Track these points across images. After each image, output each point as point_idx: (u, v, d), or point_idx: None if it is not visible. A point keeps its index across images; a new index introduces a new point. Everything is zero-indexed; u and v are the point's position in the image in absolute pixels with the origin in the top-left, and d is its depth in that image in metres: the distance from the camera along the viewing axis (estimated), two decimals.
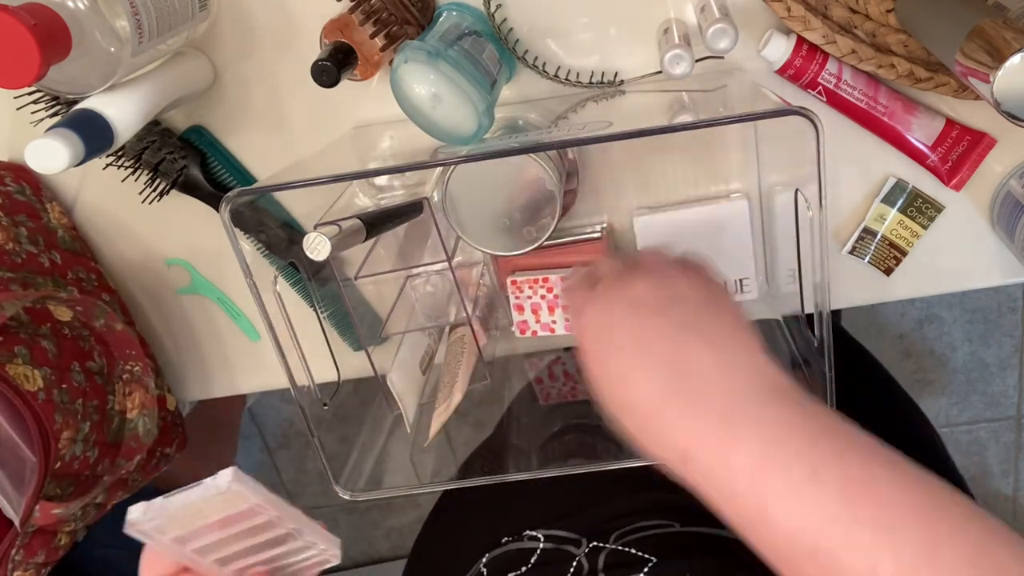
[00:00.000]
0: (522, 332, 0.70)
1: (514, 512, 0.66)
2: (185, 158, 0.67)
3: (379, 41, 0.57)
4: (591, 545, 0.59)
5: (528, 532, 0.62)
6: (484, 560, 0.62)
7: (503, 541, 0.63)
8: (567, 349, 0.76)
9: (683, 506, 0.60)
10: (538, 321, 0.69)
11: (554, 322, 0.69)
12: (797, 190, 0.56)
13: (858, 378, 0.82)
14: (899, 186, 0.66)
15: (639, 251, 0.55)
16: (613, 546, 0.58)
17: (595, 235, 0.68)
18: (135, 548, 0.48)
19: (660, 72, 0.62)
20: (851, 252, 0.68)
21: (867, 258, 0.68)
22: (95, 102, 0.54)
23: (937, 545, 0.34)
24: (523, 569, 0.60)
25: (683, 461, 0.41)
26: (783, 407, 0.39)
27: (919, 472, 0.37)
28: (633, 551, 0.56)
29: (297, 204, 0.69)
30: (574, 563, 0.58)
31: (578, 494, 0.64)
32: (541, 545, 0.61)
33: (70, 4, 0.47)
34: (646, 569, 0.54)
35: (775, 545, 0.37)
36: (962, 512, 0.36)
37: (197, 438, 0.76)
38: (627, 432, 0.43)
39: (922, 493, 0.36)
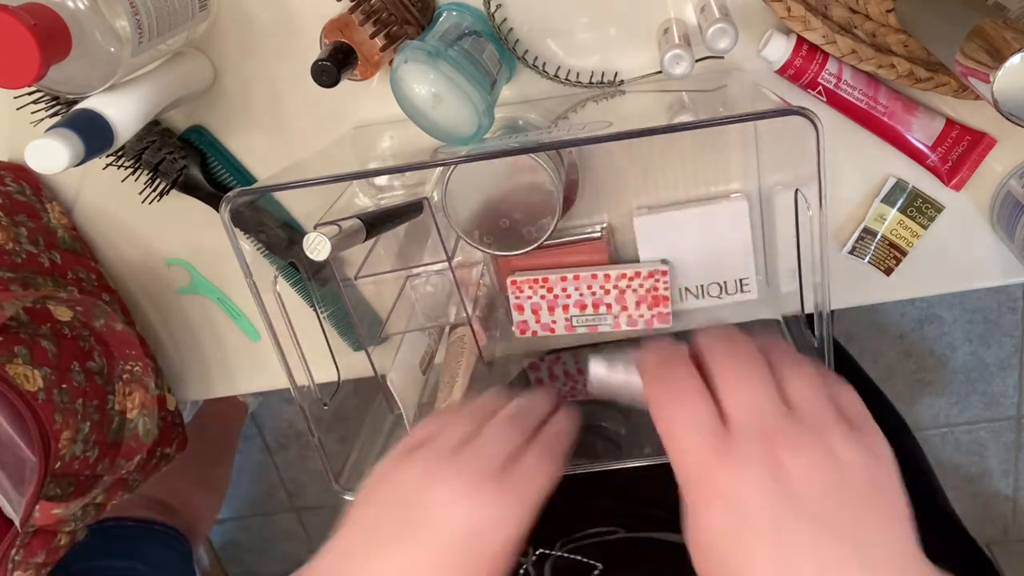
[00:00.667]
0: (522, 332, 0.70)
1: None
2: (185, 158, 0.67)
3: (379, 41, 0.57)
4: (537, 553, 0.58)
5: None
6: None
7: None
8: (565, 349, 0.76)
9: (628, 512, 0.60)
10: (538, 321, 0.69)
11: (554, 322, 0.69)
12: (797, 190, 0.56)
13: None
14: (899, 186, 0.66)
15: (774, 362, 0.38)
16: (559, 553, 0.58)
17: (595, 235, 0.68)
18: (129, 557, 0.48)
19: (660, 72, 0.62)
20: (851, 252, 0.68)
21: (867, 258, 0.68)
22: (95, 102, 0.54)
23: None
24: None
25: None
26: None
27: None
28: (579, 558, 0.56)
29: (297, 204, 0.69)
30: (521, 571, 0.58)
31: None
32: None
33: (70, 4, 0.47)
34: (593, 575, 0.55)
35: None
36: None
37: (196, 449, 0.76)
38: None
39: None
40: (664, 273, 0.66)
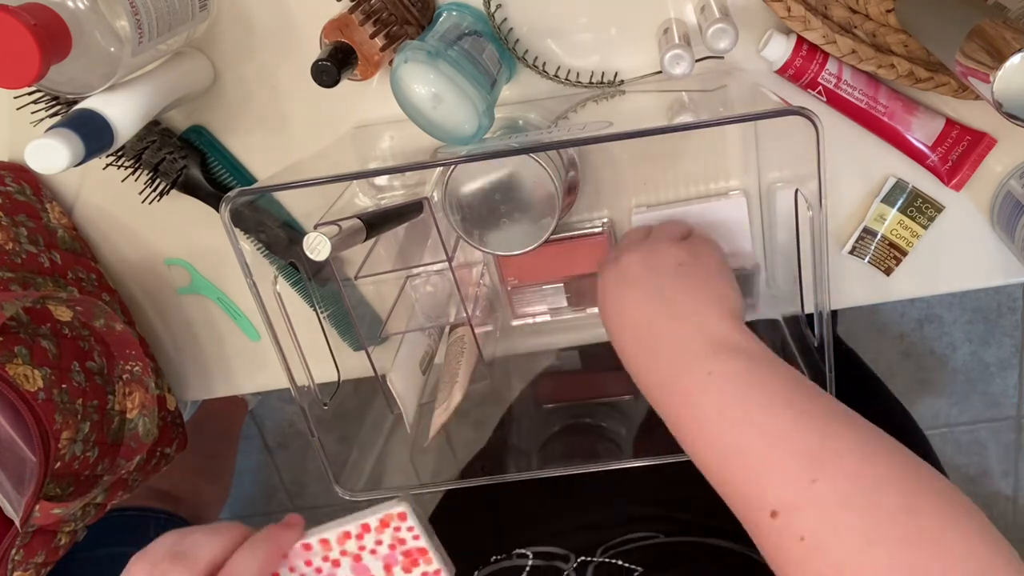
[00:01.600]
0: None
1: (503, 530, 0.66)
2: (185, 158, 0.67)
3: (379, 41, 0.57)
4: (579, 560, 0.59)
5: (517, 550, 0.63)
6: None
7: (492, 559, 0.63)
8: (564, 350, 0.76)
9: (668, 517, 0.61)
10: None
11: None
12: (797, 190, 0.56)
13: (844, 382, 0.83)
14: (899, 186, 0.66)
15: (658, 225, 0.59)
16: (600, 559, 0.58)
17: (596, 230, 0.68)
18: (128, 544, 0.48)
19: (660, 72, 0.62)
20: (851, 252, 0.68)
21: (867, 258, 0.68)
22: (95, 102, 0.54)
23: (860, 479, 0.40)
24: None
25: (654, 403, 0.50)
26: (730, 360, 0.47)
27: (851, 416, 0.43)
28: (620, 563, 0.57)
29: (297, 204, 0.69)
30: None
31: (566, 510, 0.64)
32: (530, 562, 0.61)
33: (70, 4, 0.47)
34: None
35: (715, 456, 0.45)
36: (890, 457, 0.41)
37: (198, 442, 0.76)
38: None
39: (850, 432, 0.42)
40: (403, 517, 0.45)
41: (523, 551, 0.62)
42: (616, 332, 0.54)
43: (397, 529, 0.46)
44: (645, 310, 0.52)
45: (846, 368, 0.86)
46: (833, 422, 0.43)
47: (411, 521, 0.46)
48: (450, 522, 0.74)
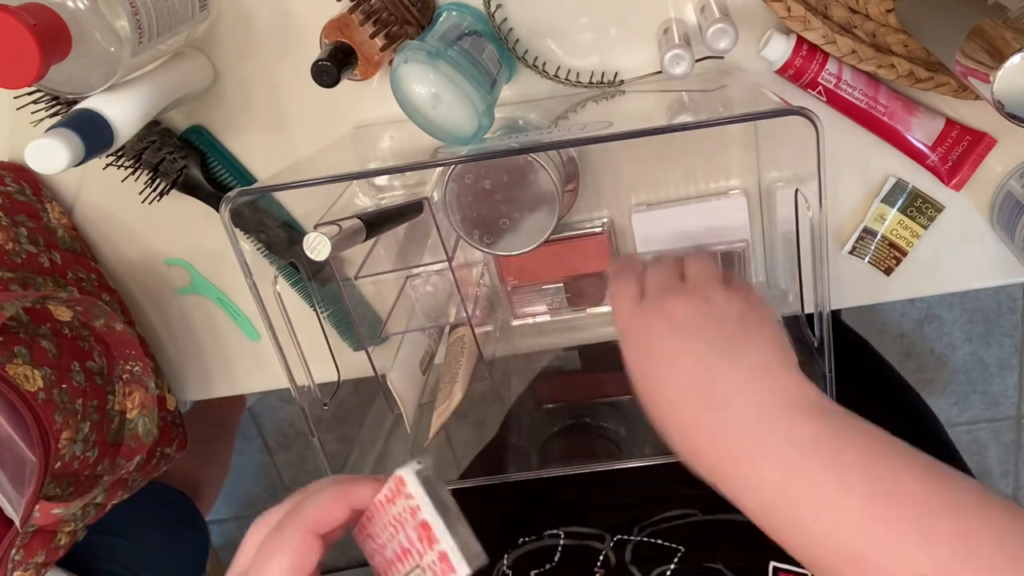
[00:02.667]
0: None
1: (529, 513, 0.66)
2: (185, 158, 0.67)
3: (379, 41, 0.57)
4: (616, 539, 0.58)
5: (548, 531, 0.62)
6: (506, 561, 0.62)
7: (521, 541, 0.62)
8: (564, 350, 0.76)
9: (702, 496, 0.60)
10: None
11: None
12: (797, 190, 0.56)
13: (862, 373, 0.83)
14: (899, 186, 0.66)
15: (685, 260, 0.53)
16: (638, 538, 0.58)
17: (596, 230, 0.68)
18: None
19: (660, 72, 0.62)
20: (851, 252, 0.68)
21: (867, 258, 0.68)
22: (95, 102, 0.54)
23: (970, 535, 0.35)
24: (547, 567, 0.59)
25: (718, 477, 0.43)
26: (809, 420, 0.41)
27: (942, 468, 0.38)
28: (660, 542, 0.56)
29: (297, 204, 0.69)
30: (601, 557, 0.58)
31: (594, 491, 0.64)
32: (563, 542, 0.61)
33: (70, 4, 0.47)
34: (676, 559, 0.54)
35: (814, 553, 0.39)
36: (985, 500, 0.37)
37: (196, 438, 0.76)
38: (672, 445, 0.46)
39: (947, 488, 0.37)
40: (401, 483, 0.43)
41: (554, 531, 0.62)
42: (660, 393, 0.47)
43: (408, 497, 0.42)
44: (708, 365, 0.45)
45: (861, 359, 0.87)
46: (935, 496, 0.38)
47: (411, 488, 0.42)
48: (474, 505, 0.74)
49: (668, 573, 0.54)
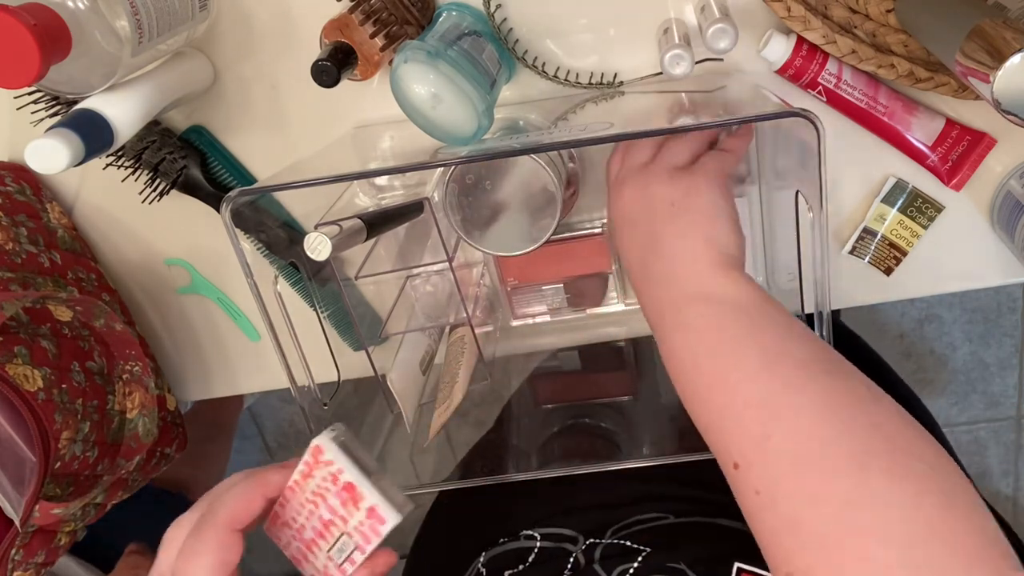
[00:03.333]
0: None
1: (511, 512, 0.66)
2: (185, 158, 0.67)
3: (379, 41, 0.57)
4: (588, 542, 0.59)
5: (525, 532, 0.62)
6: (482, 559, 0.62)
7: (500, 541, 0.63)
8: (564, 350, 0.76)
9: (677, 496, 0.61)
10: None
11: None
12: (797, 191, 0.56)
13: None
14: (899, 186, 0.66)
15: (665, 144, 0.57)
16: (609, 540, 0.58)
17: (596, 230, 0.68)
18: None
19: (660, 73, 0.62)
20: (851, 252, 0.68)
21: (867, 258, 0.68)
22: (95, 102, 0.54)
23: (825, 431, 0.41)
24: (520, 567, 0.60)
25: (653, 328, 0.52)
26: (705, 307, 0.49)
27: (832, 361, 0.45)
28: (627, 543, 0.57)
29: (297, 204, 0.69)
30: (571, 559, 0.58)
31: (574, 492, 0.64)
32: (538, 544, 0.61)
33: (70, 4, 0.47)
34: (640, 559, 0.55)
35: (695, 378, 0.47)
36: (856, 398, 0.42)
37: (193, 438, 0.76)
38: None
39: (826, 380, 0.43)
40: (319, 451, 0.45)
41: (531, 532, 0.62)
42: (623, 254, 0.56)
43: (328, 464, 0.44)
44: (637, 251, 0.54)
45: (860, 363, 0.87)
46: (802, 372, 0.43)
47: (329, 455, 0.44)
48: (456, 505, 0.74)
49: (631, 571, 0.55)
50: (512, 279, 0.70)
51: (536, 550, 0.61)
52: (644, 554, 0.55)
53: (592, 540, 0.59)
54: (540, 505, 0.65)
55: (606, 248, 0.68)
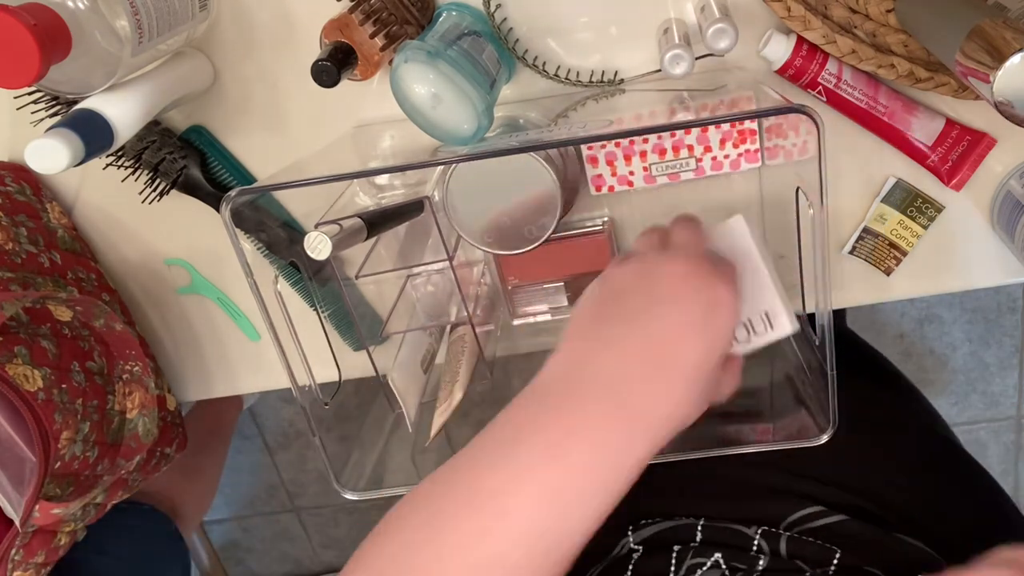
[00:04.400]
0: (597, 189, 0.65)
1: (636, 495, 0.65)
2: (185, 158, 0.67)
3: (379, 41, 0.57)
4: (761, 530, 0.58)
5: (672, 513, 0.62)
6: (632, 538, 0.61)
7: (643, 522, 0.61)
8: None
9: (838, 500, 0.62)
10: (614, 174, 0.64)
11: (631, 173, 0.64)
12: (798, 188, 0.56)
13: (871, 380, 0.83)
14: (899, 186, 0.66)
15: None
16: (790, 534, 0.58)
17: (597, 228, 0.67)
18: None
19: (660, 71, 0.62)
20: (851, 252, 0.68)
21: (867, 258, 0.68)
22: (95, 102, 0.54)
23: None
24: (691, 545, 0.58)
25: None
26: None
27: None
28: (815, 540, 0.57)
29: (297, 204, 0.69)
30: (754, 546, 0.57)
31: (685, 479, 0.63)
32: (702, 523, 0.60)
33: (70, 4, 0.47)
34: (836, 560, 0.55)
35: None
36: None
37: (192, 437, 0.76)
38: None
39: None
40: (750, 100, 0.56)
41: (684, 517, 0.61)
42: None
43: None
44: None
45: (868, 367, 0.87)
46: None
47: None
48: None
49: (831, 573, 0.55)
50: (513, 278, 0.69)
51: (700, 528, 0.59)
52: (837, 555, 0.55)
53: (765, 528, 0.58)
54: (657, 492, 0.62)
55: (607, 247, 0.68)
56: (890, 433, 0.72)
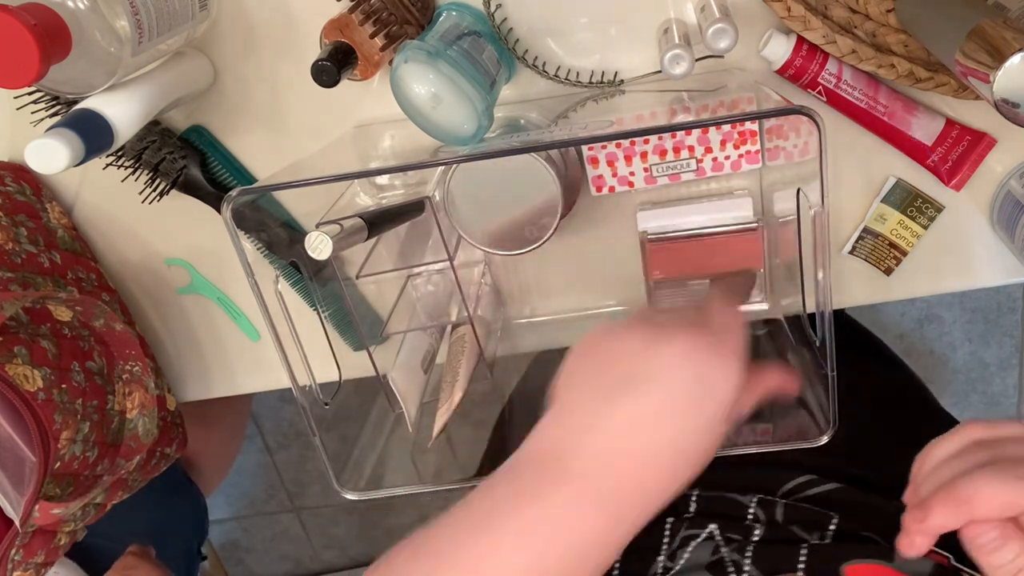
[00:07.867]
0: (598, 190, 0.64)
1: None
2: (185, 158, 0.67)
3: (379, 41, 0.57)
4: (757, 497, 0.58)
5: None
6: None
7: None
8: (565, 349, 0.76)
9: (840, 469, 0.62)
10: (615, 175, 0.64)
11: (632, 174, 0.63)
12: (799, 189, 0.56)
13: (862, 357, 0.84)
14: (899, 186, 0.66)
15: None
16: (787, 501, 0.58)
17: (751, 225, 0.66)
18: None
19: (660, 72, 0.62)
20: (851, 252, 0.68)
21: (867, 258, 0.68)
22: (95, 102, 0.54)
23: None
24: (685, 516, 0.58)
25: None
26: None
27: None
28: (812, 507, 0.57)
29: (298, 204, 0.69)
30: (749, 515, 0.58)
31: None
32: (696, 493, 0.59)
33: (70, 4, 0.47)
34: (831, 525, 0.56)
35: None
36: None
37: (213, 405, 0.75)
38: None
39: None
40: (750, 101, 0.57)
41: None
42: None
43: None
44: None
45: (869, 351, 0.88)
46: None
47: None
48: None
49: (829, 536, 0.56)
50: (658, 272, 0.66)
51: (695, 498, 0.59)
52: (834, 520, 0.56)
53: (761, 496, 0.58)
54: None
55: (758, 247, 0.65)
56: (890, 408, 0.73)
